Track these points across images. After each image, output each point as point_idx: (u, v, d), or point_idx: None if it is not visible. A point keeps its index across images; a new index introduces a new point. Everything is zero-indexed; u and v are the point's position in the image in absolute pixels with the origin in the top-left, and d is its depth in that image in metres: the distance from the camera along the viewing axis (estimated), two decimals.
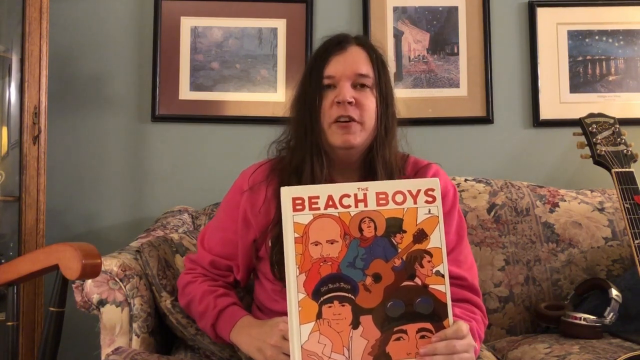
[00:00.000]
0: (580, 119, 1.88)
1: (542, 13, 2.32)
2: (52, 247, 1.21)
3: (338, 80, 1.29)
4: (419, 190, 1.05)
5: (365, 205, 1.04)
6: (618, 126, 1.83)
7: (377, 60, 1.33)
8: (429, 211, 1.05)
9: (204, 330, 1.36)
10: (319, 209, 1.03)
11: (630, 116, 2.25)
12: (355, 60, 1.30)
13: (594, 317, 1.67)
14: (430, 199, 1.05)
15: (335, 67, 1.30)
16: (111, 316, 1.47)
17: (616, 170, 1.71)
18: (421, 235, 1.04)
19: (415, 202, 1.05)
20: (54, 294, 1.19)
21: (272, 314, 1.30)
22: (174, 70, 2.27)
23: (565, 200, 2.01)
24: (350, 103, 1.27)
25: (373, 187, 1.06)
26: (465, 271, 1.30)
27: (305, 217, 1.03)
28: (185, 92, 2.28)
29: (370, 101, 1.30)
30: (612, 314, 1.67)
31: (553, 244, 1.94)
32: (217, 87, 2.28)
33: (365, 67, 1.30)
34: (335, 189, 1.05)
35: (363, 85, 1.30)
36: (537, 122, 2.29)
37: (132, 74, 2.28)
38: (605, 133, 1.81)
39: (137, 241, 1.74)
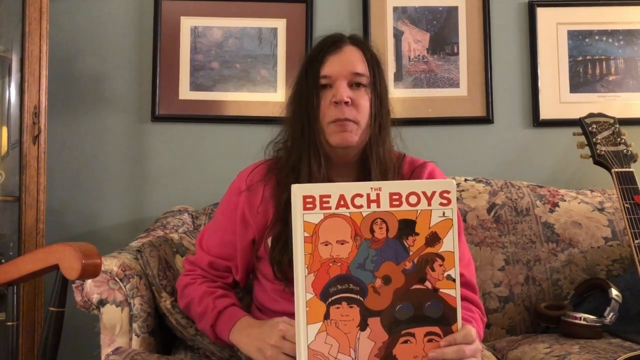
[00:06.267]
0: (580, 118, 1.88)
1: (542, 13, 2.32)
2: (52, 247, 1.21)
3: (334, 80, 1.30)
4: (433, 192, 1.02)
5: (378, 206, 1.02)
6: (618, 126, 1.83)
7: (371, 59, 1.34)
8: (443, 214, 1.02)
9: (204, 331, 1.36)
10: (330, 208, 1.01)
11: (630, 116, 2.25)
12: (350, 60, 1.31)
13: (594, 317, 1.67)
14: (445, 202, 1.02)
15: (332, 67, 1.30)
16: (111, 316, 1.47)
17: (616, 170, 1.71)
18: (434, 239, 1.02)
19: (429, 204, 1.02)
20: (54, 294, 1.19)
21: (272, 314, 1.29)
22: (174, 70, 2.27)
23: (565, 200, 2.01)
24: (346, 103, 1.29)
25: (386, 188, 1.03)
26: (462, 268, 1.30)
27: (315, 216, 1.01)
28: (185, 92, 2.28)
29: (365, 100, 1.31)
30: (612, 314, 1.67)
31: (553, 244, 1.94)
32: (217, 87, 2.28)
33: (360, 66, 1.32)
34: (348, 189, 1.03)
35: (359, 85, 1.31)
36: (537, 122, 2.29)
37: (132, 74, 2.28)
38: (605, 133, 1.81)
39: (137, 241, 1.74)
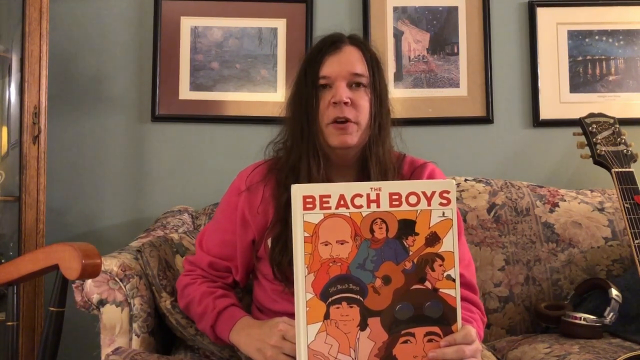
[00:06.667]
0: (580, 118, 1.88)
1: (542, 13, 2.32)
2: (52, 247, 1.21)
3: (334, 81, 1.30)
4: (433, 192, 1.02)
5: (378, 206, 1.02)
6: (618, 126, 1.83)
7: (371, 59, 1.34)
8: (443, 214, 1.02)
9: (204, 331, 1.36)
10: (330, 208, 1.01)
11: (630, 116, 2.25)
12: (350, 60, 1.31)
13: (594, 317, 1.67)
14: (444, 202, 1.02)
15: (331, 67, 1.30)
16: (111, 316, 1.47)
17: (616, 170, 1.71)
18: (434, 239, 1.02)
19: (429, 204, 1.02)
20: (54, 294, 1.19)
21: (272, 314, 1.29)
22: (174, 70, 2.27)
23: (565, 200, 2.01)
24: (346, 103, 1.29)
25: (386, 188, 1.03)
26: (462, 269, 1.30)
27: (315, 216, 1.01)
28: (185, 92, 2.28)
29: (365, 101, 1.31)
30: (612, 314, 1.67)
31: (553, 244, 1.94)
32: (217, 87, 2.28)
33: (360, 67, 1.31)
34: (348, 189, 1.03)
35: (358, 85, 1.31)
36: (537, 122, 2.29)
37: (132, 74, 2.28)
38: (605, 133, 1.81)
39: (137, 241, 1.74)
